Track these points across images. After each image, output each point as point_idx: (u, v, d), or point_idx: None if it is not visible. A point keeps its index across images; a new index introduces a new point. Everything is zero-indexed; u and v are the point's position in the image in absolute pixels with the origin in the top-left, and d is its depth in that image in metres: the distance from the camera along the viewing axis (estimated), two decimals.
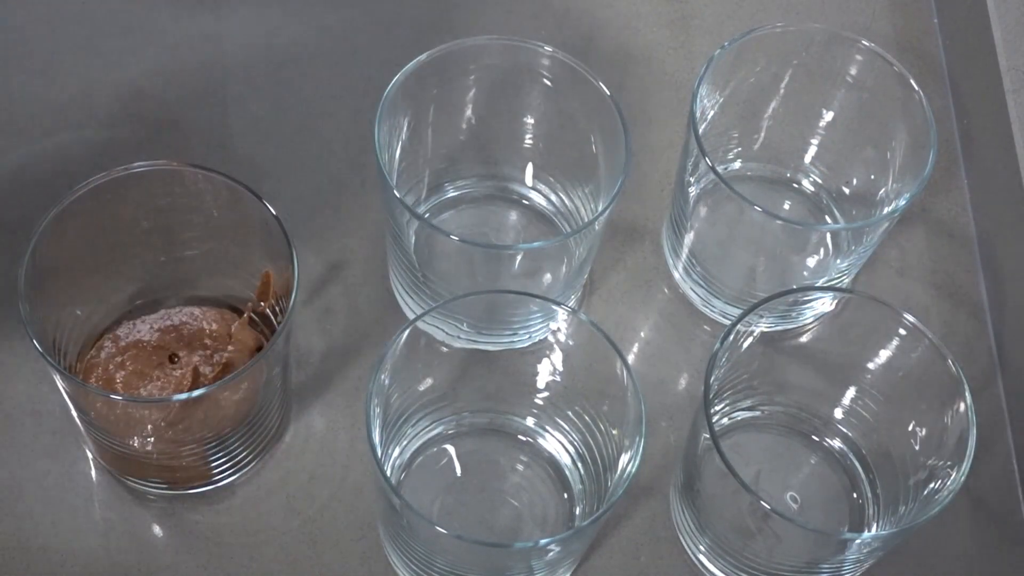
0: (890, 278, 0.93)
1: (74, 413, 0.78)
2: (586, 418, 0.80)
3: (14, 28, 0.96)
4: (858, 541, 0.75)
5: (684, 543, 0.82)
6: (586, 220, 0.86)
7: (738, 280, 0.88)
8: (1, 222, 0.88)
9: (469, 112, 0.87)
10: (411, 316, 0.85)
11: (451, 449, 0.83)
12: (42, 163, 0.91)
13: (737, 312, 0.80)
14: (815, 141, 0.91)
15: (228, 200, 0.79)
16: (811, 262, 0.85)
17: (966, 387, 0.75)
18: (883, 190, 0.87)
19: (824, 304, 0.83)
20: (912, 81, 0.85)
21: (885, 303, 0.79)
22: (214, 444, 0.78)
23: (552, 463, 0.83)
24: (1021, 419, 0.88)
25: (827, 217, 0.91)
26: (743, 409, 0.84)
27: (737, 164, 0.92)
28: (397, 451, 0.81)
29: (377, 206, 0.89)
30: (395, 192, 0.78)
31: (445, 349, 0.82)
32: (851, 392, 0.82)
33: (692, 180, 0.85)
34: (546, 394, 0.82)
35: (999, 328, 0.91)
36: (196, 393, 0.72)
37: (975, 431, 0.74)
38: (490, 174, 0.90)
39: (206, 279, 0.82)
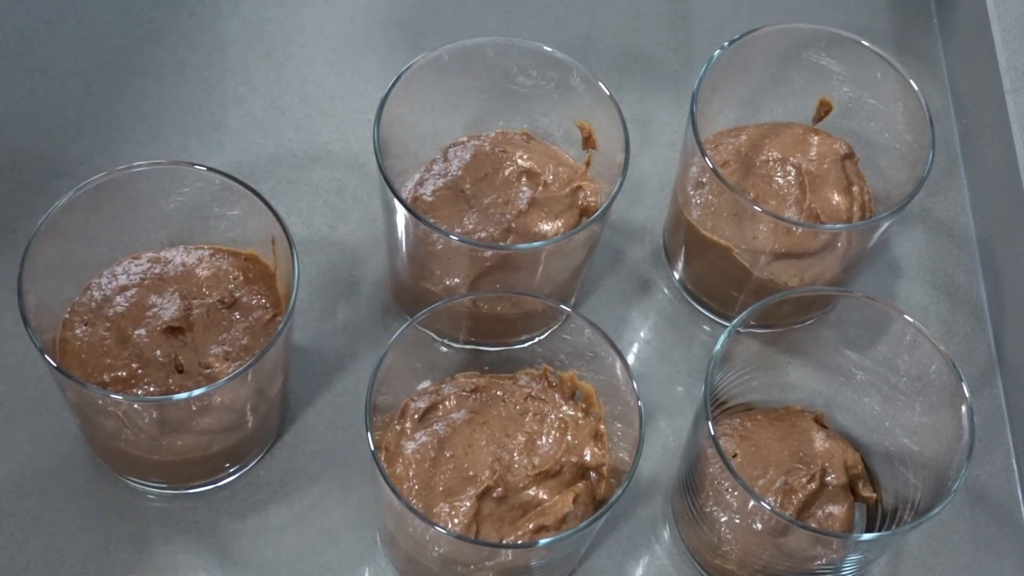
0: (890, 278, 0.93)
1: (74, 412, 0.78)
2: None
3: (14, 27, 0.96)
4: (858, 541, 0.75)
5: (684, 543, 0.82)
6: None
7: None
8: (1, 222, 0.88)
9: (469, 112, 0.87)
10: (411, 316, 0.85)
11: None
12: (42, 163, 0.91)
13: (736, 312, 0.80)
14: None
15: (228, 200, 0.79)
16: (811, 262, 0.85)
17: (966, 387, 0.75)
18: (883, 190, 0.87)
19: (824, 304, 0.83)
20: (912, 81, 0.85)
21: (885, 303, 0.79)
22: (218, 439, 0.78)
23: None
24: (1021, 419, 0.88)
25: None
26: (743, 409, 0.84)
27: (737, 164, 0.91)
28: None
29: (377, 206, 0.89)
30: (394, 192, 0.78)
31: (445, 349, 0.82)
32: (851, 392, 0.82)
33: (692, 180, 0.85)
34: None
35: (999, 328, 0.91)
36: (196, 392, 0.72)
37: (975, 431, 0.75)
38: None
39: (206, 279, 0.82)
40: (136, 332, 0.77)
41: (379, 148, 0.79)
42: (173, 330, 0.77)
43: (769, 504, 0.73)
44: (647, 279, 0.91)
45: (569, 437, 0.77)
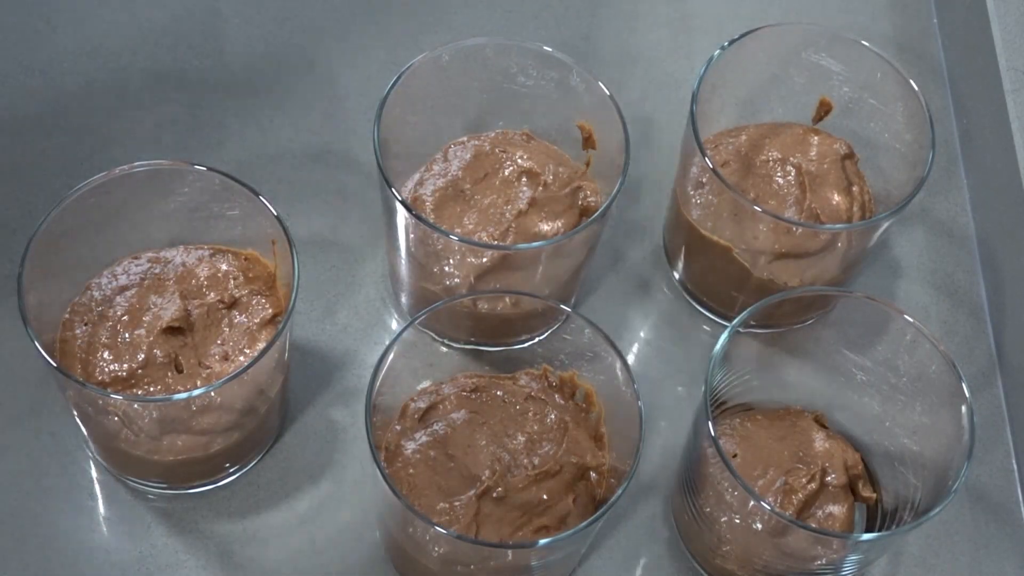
0: (890, 278, 0.93)
1: (74, 412, 0.78)
2: None
3: (14, 27, 0.96)
4: (858, 541, 0.75)
5: (684, 543, 0.82)
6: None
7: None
8: (1, 222, 0.88)
9: (469, 112, 0.87)
10: (411, 316, 0.85)
11: None
12: (42, 163, 0.91)
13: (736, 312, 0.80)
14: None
15: (228, 200, 0.79)
16: (811, 262, 0.85)
17: (966, 387, 0.75)
18: (883, 190, 0.87)
19: (824, 304, 0.83)
20: (912, 81, 0.85)
21: (885, 303, 0.79)
22: (219, 438, 0.78)
23: None
24: (1021, 419, 0.88)
25: None
26: (743, 409, 0.84)
27: (737, 164, 0.91)
28: None
29: (377, 206, 0.89)
30: (394, 192, 0.78)
31: (445, 349, 0.82)
32: (851, 392, 0.82)
33: (692, 180, 0.85)
34: None
35: (999, 328, 0.91)
36: (196, 392, 0.72)
37: (975, 431, 0.74)
38: None
39: (206, 279, 0.82)
40: (136, 332, 0.77)
41: (379, 148, 0.79)
42: (173, 330, 0.77)
43: (769, 504, 0.73)
44: (647, 279, 0.91)
45: (569, 437, 0.77)
